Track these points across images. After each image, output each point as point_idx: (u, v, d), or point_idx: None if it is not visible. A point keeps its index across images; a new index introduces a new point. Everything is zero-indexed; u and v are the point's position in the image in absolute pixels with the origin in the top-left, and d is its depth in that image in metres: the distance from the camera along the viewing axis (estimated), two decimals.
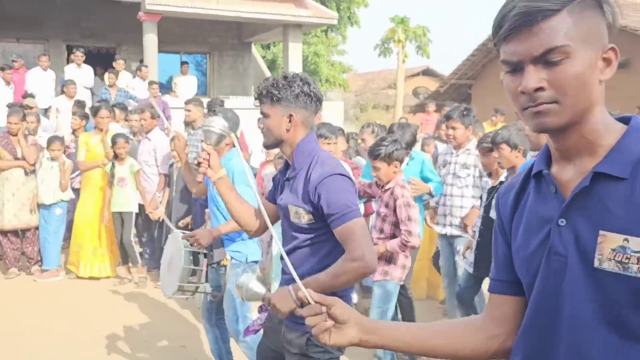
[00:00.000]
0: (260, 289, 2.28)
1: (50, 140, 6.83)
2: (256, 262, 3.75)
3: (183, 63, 13.27)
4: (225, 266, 3.72)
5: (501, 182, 4.21)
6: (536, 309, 1.21)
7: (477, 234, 4.24)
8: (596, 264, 1.09)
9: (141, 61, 13.01)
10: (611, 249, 1.07)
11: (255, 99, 2.46)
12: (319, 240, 2.36)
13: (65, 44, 14.17)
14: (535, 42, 1.08)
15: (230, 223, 3.43)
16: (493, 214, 3.93)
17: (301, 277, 1.94)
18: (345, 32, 25.67)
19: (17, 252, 6.85)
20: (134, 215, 6.57)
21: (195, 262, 3.56)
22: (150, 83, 10.69)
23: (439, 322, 1.46)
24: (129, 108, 9.95)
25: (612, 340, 1.09)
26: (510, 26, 1.09)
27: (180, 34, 14.53)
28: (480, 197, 4.46)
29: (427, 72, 30.26)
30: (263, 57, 20.89)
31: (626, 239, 1.06)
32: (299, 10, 13.10)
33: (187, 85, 12.66)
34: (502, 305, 1.33)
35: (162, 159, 6.70)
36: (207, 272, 3.80)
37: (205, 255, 3.63)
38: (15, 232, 6.81)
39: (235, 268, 3.63)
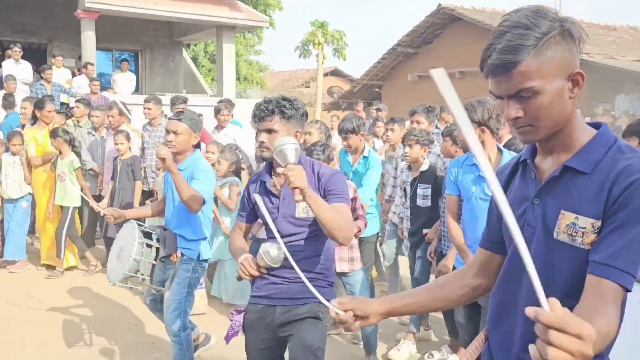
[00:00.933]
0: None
1: (11, 135, 6.87)
2: (206, 260, 3.81)
3: (122, 60, 13.42)
4: (174, 262, 3.69)
5: (422, 172, 4.65)
6: (510, 265, 1.53)
7: (407, 222, 4.75)
8: (555, 235, 1.39)
9: (79, 58, 13.29)
10: (566, 224, 1.37)
11: (260, 116, 2.61)
12: (319, 231, 2.57)
13: None
14: (509, 85, 1.33)
15: (145, 209, 3.70)
16: (420, 202, 4.60)
17: (299, 262, 2.25)
18: (262, 34, 26.60)
19: None
20: (70, 210, 6.60)
21: (146, 254, 3.57)
22: (91, 80, 10.97)
23: (434, 284, 1.77)
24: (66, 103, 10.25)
25: (551, 293, 1.27)
26: (488, 72, 1.36)
27: (113, 31, 14.83)
28: (405, 190, 4.86)
29: (336, 73, 31.61)
30: None
31: (577, 217, 1.35)
32: (233, 13, 13.85)
33: (125, 82, 12.82)
34: (485, 260, 1.66)
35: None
36: (154, 265, 3.73)
37: (157, 249, 3.63)
38: None
39: (183, 264, 3.65)
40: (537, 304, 1.24)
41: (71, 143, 6.58)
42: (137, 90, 15.46)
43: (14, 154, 6.81)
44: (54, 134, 6.49)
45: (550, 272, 1.38)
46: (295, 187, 2.25)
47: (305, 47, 20.71)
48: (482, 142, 3.48)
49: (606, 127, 1.43)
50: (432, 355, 4.48)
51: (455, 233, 3.64)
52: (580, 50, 1.35)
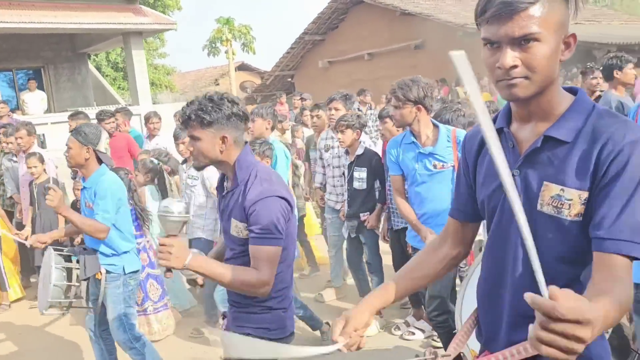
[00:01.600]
0: (180, 213, 2.33)
1: None
2: (135, 272, 3.77)
3: (30, 79, 12.89)
4: (99, 279, 3.66)
5: (357, 156, 4.74)
6: (494, 237, 1.51)
7: (346, 204, 4.90)
8: (538, 207, 1.36)
9: None
10: (550, 196, 1.34)
11: (182, 122, 2.40)
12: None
13: None
14: (514, 28, 1.28)
15: (81, 221, 3.53)
16: (357, 184, 4.74)
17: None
18: (163, 36, 26.01)
19: None
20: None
21: (69, 277, 3.63)
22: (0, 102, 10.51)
23: (411, 266, 1.73)
24: None
25: (544, 263, 1.29)
26: (495, 12, 1.29)
27: (10, 49, 14.09)
28: (343, 173, 4.98)
29: (244, 67, 31.44)
30: None
31: (562, 189, 1.32)
32: (139, 17, 13.49)
33: (37, 101, 12.34)
34: (458, 230, 1.67)
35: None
36: (87, 286, 3.75)
37: (77, 269, 3.65)
38: None
39: (112, 281, 3.65)
40: (527, 283, 1.33)
41: None
42: (47, 108, 14.81)
43: None
44: None
45: (542, 242, 1.35)
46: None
47: (213, 45, 20.49)
48: (418, 120, 3.59)
49: (583, 92, 1.42)
50: (398, 327, 4.60)
51: (405, 210, 3.71)
52: (575, 17, 1.36)
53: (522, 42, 1.29)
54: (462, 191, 1.64)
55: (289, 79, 22.85)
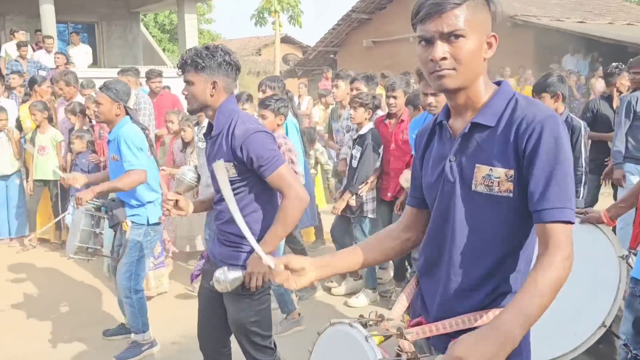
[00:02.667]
0: (237, 273, 2.49)
1: None
2: (157, 224, 3.93)
3: (72, 33, 13.18)
4: (125, 231, 3.87)
5: (359, 135, 4.82)
6: (434, 220, 1.64)
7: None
8: (473, 187, 1.52)
9: (36, 31, 12.96)
10: (482, 176, 1.50)
11: (179, 67, 2.61)
12: (243, 190, 2.60)
13: None
14: (443, 24, 1.45)
15: (116, 182, 3.70)
16: (354, 163, 4.81)
17: (227, 224, 2.52)
18: (211, 1, 26.23)
19: None
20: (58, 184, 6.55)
21: (97, 225, 3.79)
22: (56, 53, 10.87)
23: (369, 240, 1.85)
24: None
25: (476, 241, 1.53)
26: (427, 11, 1.47)
27: (67, 2, 14.48)
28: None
29: (286, 40, 31.53)
30: None
31: (491, 169, 1.49)
32: None
33: (81, 55, 12.55)
34: (413, 216, 1.79)
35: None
36: (114, 236, 3.99)
37: (106, 219, 3.84)
38: None
39: (136, 229, 3.83)
40: (460, 261, 1.54)
41: (50, 118, 6.70)
42: (95, 63, 15.22)
43: None
44: (34, 108, 6.54)
45: (474, 221, 1.53)
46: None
47: (261, 15, 20.65)
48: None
49: (506, 83, 1.60)
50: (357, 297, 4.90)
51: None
52: (495, 21, 1.53)
53: (451, 37, 1.45)
54: (417, 182, 1.77)
55: (332, 55, 22.88)
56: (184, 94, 2.64)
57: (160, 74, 8.21)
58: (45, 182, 6.75)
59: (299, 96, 11.96)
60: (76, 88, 7.14)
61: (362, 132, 4.84)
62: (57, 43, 13.68)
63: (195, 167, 2.62)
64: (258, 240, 2.46)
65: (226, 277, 2.44)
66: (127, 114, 3.82)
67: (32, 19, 13.40)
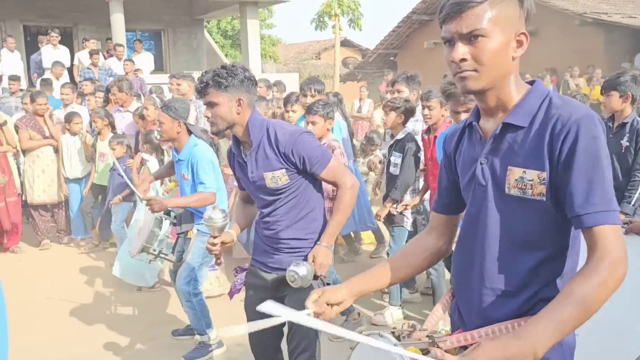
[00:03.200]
0: (307, 269, 2.53)
1: (70, 116, 7.07)
2: None
3: (135, 41, 13.54)
4: (190, 238, 3.97)
5: (396, 141, 4.57)
6: (466, 225, 1.58)
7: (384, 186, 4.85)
8: (506, 190, 1.45)
9: (107, 40, 13.49)
10: (515, 179, 1.43)
11: (199, 91, 2.62)
12: (298, 194, 2.66)
13: (22, 24, 14.29)
14: (462, 24, 1.40)
15: (187, 199, 3.79)
16: (392, 169, 4.55)
17: (285, 230, 2.60)
18: (272, 7, 26.61)
19: (48, 225, 7.24)
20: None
21: (164, 229, 3.90)
22: (125, 60, 11.27)
23: (396, 257, 1.77)
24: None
25: (509, 246, 1.47)
26: (447, 11, 1.43)
27: (134, 11, 15.00)
28: (385, 156, 4.91)
29: (345, 43, 31.55)
30: None
31: (524, 172, 1.42)
32: None
33: (144, 62, 12.86)
34: (441, 223, 1.74)
35: None
36: (176, 242, 4.10)
37: (174, 225, 3.97)
38: (45, 206, 7.15)
39: (201, 236, 3.88)
40: (494, 266, 1.47)
41: (111, 124, 6.84)
42: (162, 69, 15.71)
43: (73, 134, 7.00)
44: (95, 115, 6.72)
45: (507, 225, 1.46)
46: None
47: (322, 19, 20.80)
48: None
49: (539, 82, 1.52)
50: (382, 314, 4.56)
51: None
52: (527, 19, 1.46)
53: (471, 38, 1.40)
54: (443, 186, 1.72)
55: (392, 58, 22.77)
56: (206, 116, 2.64)
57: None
58: (102, 188, 6.83)
59: (360, 99, 11.96)
60: (128, 94, 7.35)
61: (399, 137, 4.60)
62: (126, 51, 14.25)
63: (213, 207, 2.67)
64: (319, 236, 2.68)
65: (300, 274, 2.50)
66: (188, 130, 3.90)
67: (102, 28, 13.95)
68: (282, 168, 2.57)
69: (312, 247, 2.67)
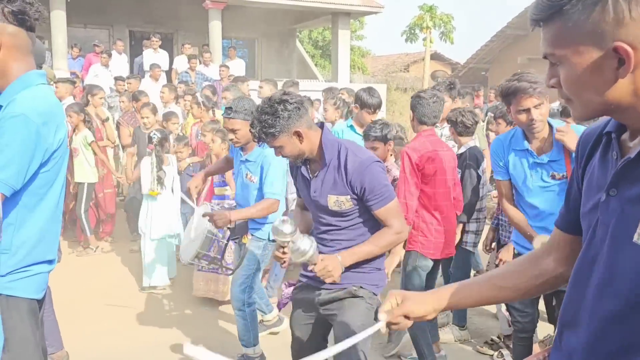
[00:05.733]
0: (315, 255, 2.39)
1: (168, 115, 7.07)
2: (274, 241, 3.89)
3: (229, 48, 14.02)
4: (244, 243, 3.84)
5: (458, 155, 4.17)
6: (580, 263, 1.21)
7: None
8: (635, 238, 1.05)
9: (204, 46, 14.07)
10: None
11: (260, 141, 2.59)
12: (358, 221, 2.59)
13: (128, 29, 15.19)
14: (542, 44, 1.12)
15: (252, 210, 3.60)
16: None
17: (340, 250, 2.45)
18: (363, 18, 26.80)
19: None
20: (85, 187, 6.56)
21: (219, 233, 3.68)
22: (221, 66, 11.71)
23: (499, 272, 1.48)
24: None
25: (624, 312, 1.08)
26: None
27: (230, 20, 15.57)
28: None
29: (434, 57, 31.24)
30: None
31: None
32: None
33: (237, 69, 13.15)
34: (567, 243, 1.35)
35: None
36: (224, 247, 3.85)
37: (229, 230, 3.77)
38: None
39: (256, 242, 3.80)
40: (606, 311, 1.10)
41: (86, 119, 6.59)
42: (253, 76, 16.16)
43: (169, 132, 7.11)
44: (71, 109, 6.38)
45: (624, 283, 1.08)
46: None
47: (412, 31, 20.72)
48: None
49: None
50: (501, 354, 4.12)
51: (516, 217, 3.11)
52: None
53: (550, 60, 1.16)
54: (570, 199, 1.34)
55: (483, 73, 22.32)
56: (276, 155, 2.64)
57: (296, 84, 8.23)
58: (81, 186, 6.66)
59: None
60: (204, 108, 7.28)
61: (460, 151, 4.27)
62: (221, 57, 14.80)
63: (283, 220, 2.45)
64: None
65: (309, 249, 2.34)
66: None
67: (200, 35, 14.56)
68: (347, 194, 2.52)
69: (365, 273, 2.61)
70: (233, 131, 3.59)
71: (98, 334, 4.52)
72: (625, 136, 1.15)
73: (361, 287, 2.61)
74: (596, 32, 1.02)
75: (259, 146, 3.55)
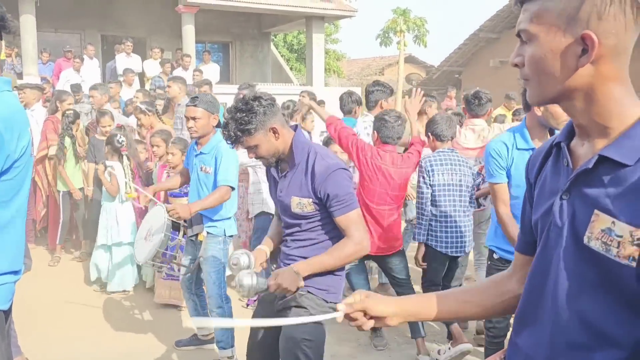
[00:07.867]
0: (262, 282, 2.42)
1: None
2: (232, 236, 3.91)
3: (204, 52, 13.97)
4: (201, 241, 3.83)
5: None
6: (533, 270, 1.25)
7: None
8: (585, 240, 1.10)
9: (177, 50, 13.97)
10: (601, 229, 1.08)
11: (232, 142, 2.57)
12: (319, 225, 2.58)
13: (100, 33, 15.00)
14: (520, 20, 1.15)
15: (209, 199, 3.63)
16: None
17: (297, 249, 2.49)
18: (338, 22, 26.88)
19: None
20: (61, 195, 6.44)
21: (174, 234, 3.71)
22: (195, 70, 11.66)
23: (467, 288, 1.51)
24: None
25: (582, 309, 1.11)
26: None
27: (204, 23, 15.49)
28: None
29: (410, 60, 31.46)
30: None
31: (613, 222, 1.06)
32: (323, 3, 14.20)
33: (211, 73, 13.09)
34: (524, 266, 1.37)
35: None
36: (184, 244, 3.89)
37: (184, 228, 3.75)
38: None
39: (213, 239, 3.80)
40: (566, 313, 1.12)
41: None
42: (228, 80, 16.11)
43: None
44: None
45: (580, 288, 1.12)
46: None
47: (387, 35, 20.87)
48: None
49: None
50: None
51: (512, 229, 2.98)
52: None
53: (521, 37, 1.18)
54: (525, 218, 1.37)
55: (456, 75, 22.54)
56: (250, 157, 2.64)
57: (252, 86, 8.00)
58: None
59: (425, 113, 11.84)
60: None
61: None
62: (195, 61, 14.70)
63: (243, 252, 2.56)
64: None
65: (253, 282, 2.40)
66: (218, 125, 3.75)
67: (174, 39, 14.46)
68: (309, 197, 2.52)
69: (315, 275, 2.55)
70: (194, 119, 3.64)
71: (60, 340, 4.43)
72: (574, 142, 1.21)
73: (308, 291, 2.57)
74: (573, 17, 1.08)
75: (213, 138, 3.70)
